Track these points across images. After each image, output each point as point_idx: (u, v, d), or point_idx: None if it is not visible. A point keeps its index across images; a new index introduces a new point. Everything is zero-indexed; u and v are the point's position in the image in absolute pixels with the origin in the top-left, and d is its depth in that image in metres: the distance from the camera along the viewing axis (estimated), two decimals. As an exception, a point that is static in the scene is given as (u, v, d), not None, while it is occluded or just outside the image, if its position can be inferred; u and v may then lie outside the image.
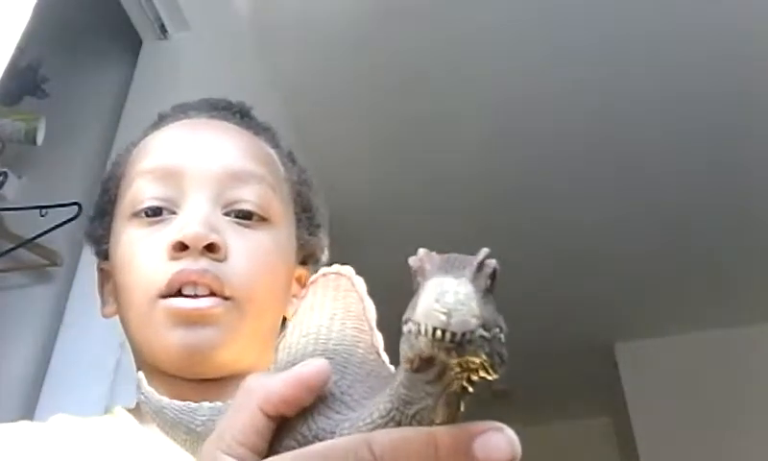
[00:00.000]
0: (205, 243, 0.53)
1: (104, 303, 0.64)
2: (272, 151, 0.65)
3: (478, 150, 2.37)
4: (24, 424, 0.57)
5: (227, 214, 0.57)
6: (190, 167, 0.57)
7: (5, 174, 1.47)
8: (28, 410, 1.24)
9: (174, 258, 0.54)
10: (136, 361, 0.61)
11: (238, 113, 0.66)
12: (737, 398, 3.00)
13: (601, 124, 2.29)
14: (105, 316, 0.63)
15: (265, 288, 0.57)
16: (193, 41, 1.68)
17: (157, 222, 0.56)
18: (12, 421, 1.25)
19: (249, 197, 0.58)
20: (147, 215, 0.57)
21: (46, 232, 1.36)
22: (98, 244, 0.64)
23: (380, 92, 2.18)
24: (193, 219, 0.54)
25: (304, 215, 0.65)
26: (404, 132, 2.30)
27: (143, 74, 1.63)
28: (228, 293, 0.54)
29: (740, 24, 1.96)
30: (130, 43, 1.67)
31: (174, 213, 0.56)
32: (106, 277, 0.64)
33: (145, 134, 0.65)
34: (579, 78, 2.15)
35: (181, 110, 0.66)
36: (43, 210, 1.39)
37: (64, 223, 1.36)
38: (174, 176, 0.57)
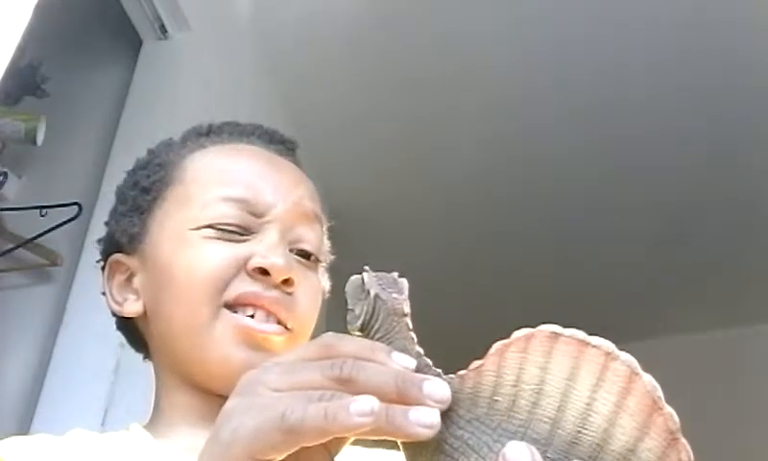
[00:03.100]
0: (286, 277, 0.57)
1: (120, 301, 0.62)
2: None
3: (477, 149, 2.37)
4: (43, 437, 0.57)
5: (290, 250, 0.60)
6: (269, 201, 0.60)
7: (5, 174, 1.47)
8: (28, 410, 1.24)
9: (250, 277, 0.57)
10: (163, 366, 0.61)
11: (292, 150, 0.68)
12: (737, 398, 3.00)
13: (600, 123, 2.29)
14: (122, 314, 0.62)
15: (312, 325, 0.61)
16: (193, 41, 1.68)
17: (232, 239, 0.58)
18: (12, 421, 1.25)
19: (311, 238, 0.61)
20: (225, 231, 0.58)
21: (46, 232, 1.36)
22: (131, 239, 0.63)
23: (380, 92, 2.18)
24: (276, 251, 0.57)
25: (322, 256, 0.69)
26: (404, 131, 2.30)
27: (143, 74, 1.63)
28: (290, 325, 0.57)
29: (740, 17, 1.96)
30: (130, 43, 1.67)
31: (249, 233, 0.59)
32: (118, 271, 0.63)
33: (200, 144, 0.66)
34: (578, 75, 2.15)
35: (239, 131, 0.67)
36: (43, 210, 1.39)
37: (64, 223, 1.36)
38: (255, 208, 0.59)
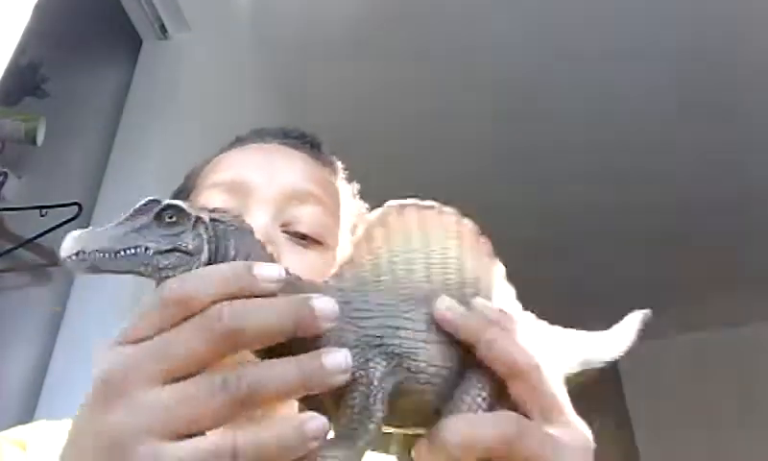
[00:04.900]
0: None
1: None
2: (336, 183, 0.68)
3: (479, 149, 2.37)
4: (71, 421, 0.58)
5: (284, 232, 0.59)
6: (256, 183, 0.59)
7: (5, 174, 1.46)
8: (27, 411, 1.24)
9: None
10: None
11: (309, 144, 0.69)
12: (737, 398, 3.00)
13: (601, 123, 2.29)
14: None
15: None
16: (193, 41, 1.68)
17: None
18: (11, 421, 1.25)
19: (306, 218, 0.60)
20: None
21: (46, 232, 1.35)
22: None
23: (380, 92, 2.18)
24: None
25: None
26: (405, 132, 2.30)
27: (143, 74, 1.63)
28: None
29: (740, 20, 1.96)
30: (130, 43, 1.67)
31: None
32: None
33: (220, 152, 0.68)
34: (579, 77, 2.15)
35: (258, 135, 0.68)
36: (43, 210, 1.39)
37: (64, 223, 1.35)
38: (240, 190, 0.59)
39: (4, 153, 1.50)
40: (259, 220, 0.57)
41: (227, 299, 0.29)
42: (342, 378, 0.30)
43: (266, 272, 0.31)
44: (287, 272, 0.33)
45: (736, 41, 2.01)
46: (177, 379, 0.29)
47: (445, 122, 2.27)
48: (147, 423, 0.28)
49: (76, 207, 1.37)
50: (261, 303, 0.30)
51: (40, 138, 1.41)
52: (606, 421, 3.68)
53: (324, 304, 0.31)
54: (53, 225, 1.36)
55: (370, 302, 0.34)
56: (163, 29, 1.66)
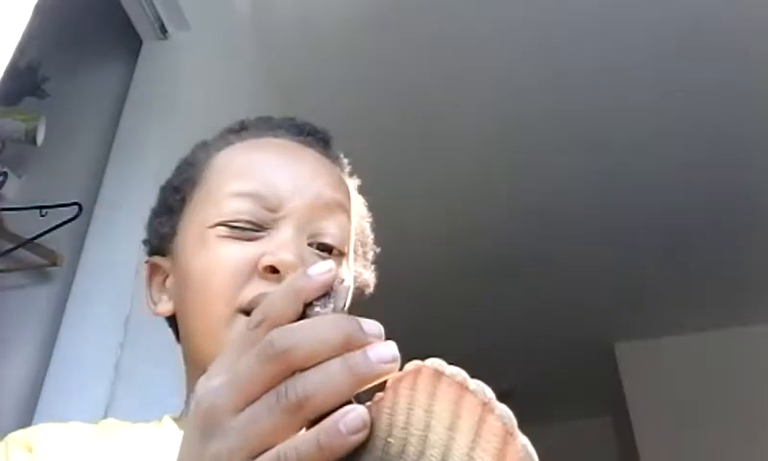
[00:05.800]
0: None
1: (154, 300, 0.63)
2: (346, 180, 0.67)
3: (477, 151, 2.38)
4: (76, 424, 0.58)
5: (310, 244, 0.58)
6: (283, 194, 0.58)
7: (5, 174, 1.47)
8: (28, 411, 1.24)
9: (262, 278, 0.55)
10: (189, 362, 0.61)
11: (322, 141, 0.67)
12: (737, 398, 3.01)
13: (600, 127, 2.30)
14: (156, 314, 0.63)
15: None
16: (193, 41, 1.68)
17: (247, 238, 0.57)
18: (11, 420, 1.25)
19: (332, 229, 0.59)
20: (238, 229, 0.57)
21: (46, 232, 1.36)
22: (161, 240, 0.64)
23: (380, 92, 2.18)
24: (287, 246, 0.56)
25: (361, 249, 0.68)
26: (404, 131, 2.30)
27: (143, 74, 1.63)
28: None
29: (740, 38, 1.96)
30: (130, 43, 1.67)
31: (263, 229, 0.58)
32: (157, 272, 0.64)
33: (227, 142, 0.65)
34: (578, 87, 2.15)
35: (267, 126, 0.67)
36: (43, 210, 1.39)
37: (64, 223, 1.36)
38: (267, 201, 0.58)
39: (4, 153, 1.50)
40: (293, 236, 0.57)
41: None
42: (390, 367, 0.30)
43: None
44: None
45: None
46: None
47: (445, 121, 2.27)
48: (232, 446, 0.31)
49: (76, 207, 1.37)
50: (309, 321, 0.31)
51: (40, 138, 1.41)
52: (606, 421, 3.68)
53: (373, 327, 0.31)
54: (53, 225, 1.36)
55: (370, 456, 0.30)
56: (163, 29, 1.66)
